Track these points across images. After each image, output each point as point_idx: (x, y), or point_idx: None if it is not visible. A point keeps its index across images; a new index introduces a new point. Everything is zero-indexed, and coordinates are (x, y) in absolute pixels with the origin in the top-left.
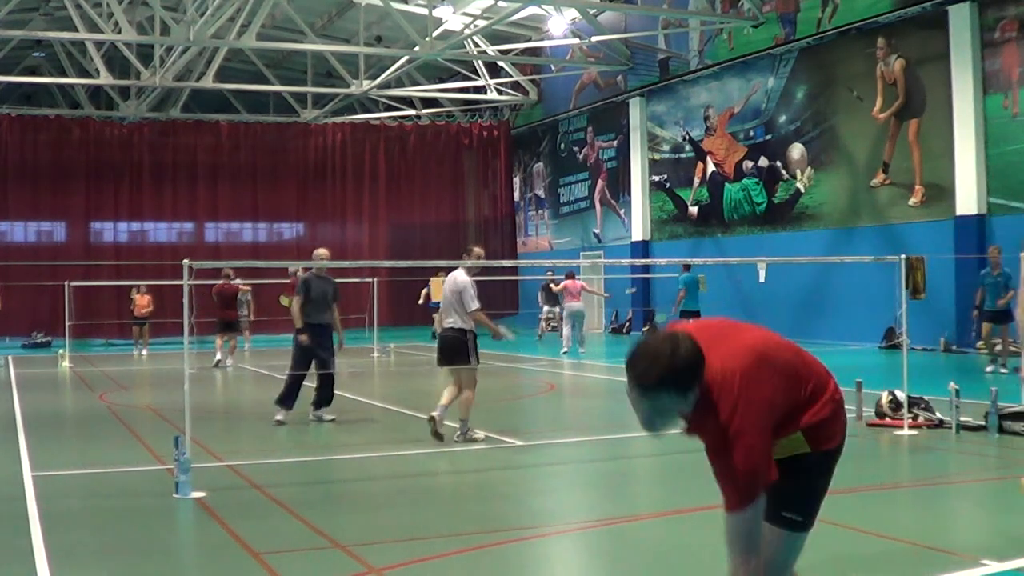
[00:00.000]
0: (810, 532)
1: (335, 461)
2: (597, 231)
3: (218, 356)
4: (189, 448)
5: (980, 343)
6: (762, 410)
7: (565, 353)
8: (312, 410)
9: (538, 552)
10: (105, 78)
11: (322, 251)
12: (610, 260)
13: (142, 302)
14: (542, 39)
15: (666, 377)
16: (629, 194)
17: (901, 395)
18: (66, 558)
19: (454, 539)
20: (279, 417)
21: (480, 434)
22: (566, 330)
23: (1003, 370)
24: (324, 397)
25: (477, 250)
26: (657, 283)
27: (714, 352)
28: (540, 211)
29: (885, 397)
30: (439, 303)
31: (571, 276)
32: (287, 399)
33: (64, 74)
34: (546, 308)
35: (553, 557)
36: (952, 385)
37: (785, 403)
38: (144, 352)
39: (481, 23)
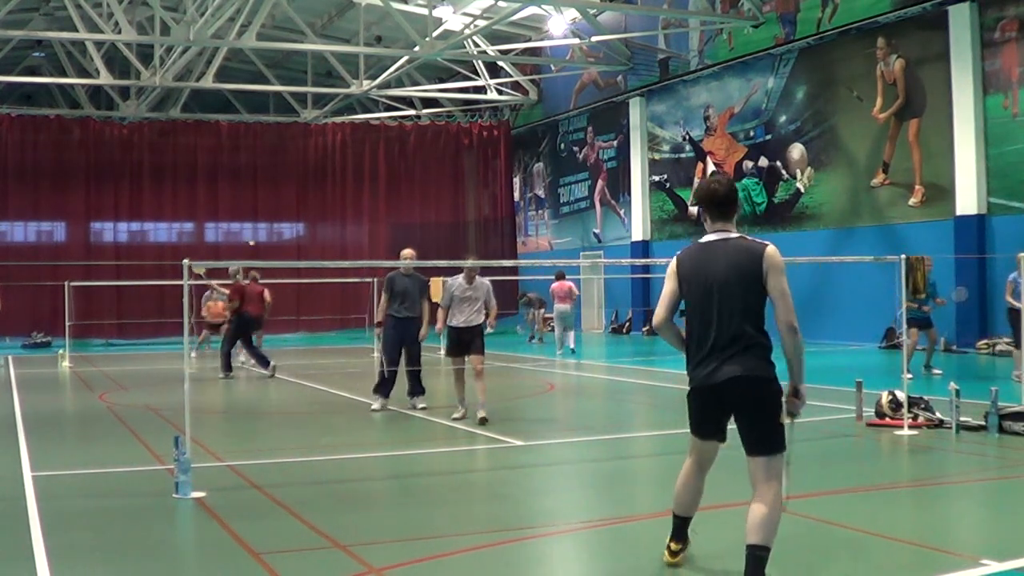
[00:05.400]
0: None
1: (335, 461)
2: (597, 231)
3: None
4: (189, 448)
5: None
6: None
7: (560, 353)
8: (409, 399)
9: (538, 552)
10: (105, 78)
11: (407, 251)
12: (610, 260)
13: (216, 309)
14: (542, 39)
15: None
16: (629, 194)
17: (901, 395)
18: (66, 558)
19: (454, 539)
20: (375, 406)
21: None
22: (558, 331)
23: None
24: (415, 387)
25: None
26: (657, 283)
27: None
28: (540, 211)
29: (885, 397)
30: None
31: (560, 276)
32: (382, 388)
33: (64, 74)
34: (541, 310)
35: (553, 557)
36: (952, 385)
37: None
38: (193, 354)
39: (481, 23)
